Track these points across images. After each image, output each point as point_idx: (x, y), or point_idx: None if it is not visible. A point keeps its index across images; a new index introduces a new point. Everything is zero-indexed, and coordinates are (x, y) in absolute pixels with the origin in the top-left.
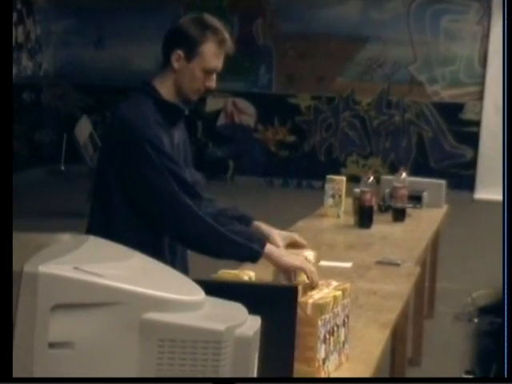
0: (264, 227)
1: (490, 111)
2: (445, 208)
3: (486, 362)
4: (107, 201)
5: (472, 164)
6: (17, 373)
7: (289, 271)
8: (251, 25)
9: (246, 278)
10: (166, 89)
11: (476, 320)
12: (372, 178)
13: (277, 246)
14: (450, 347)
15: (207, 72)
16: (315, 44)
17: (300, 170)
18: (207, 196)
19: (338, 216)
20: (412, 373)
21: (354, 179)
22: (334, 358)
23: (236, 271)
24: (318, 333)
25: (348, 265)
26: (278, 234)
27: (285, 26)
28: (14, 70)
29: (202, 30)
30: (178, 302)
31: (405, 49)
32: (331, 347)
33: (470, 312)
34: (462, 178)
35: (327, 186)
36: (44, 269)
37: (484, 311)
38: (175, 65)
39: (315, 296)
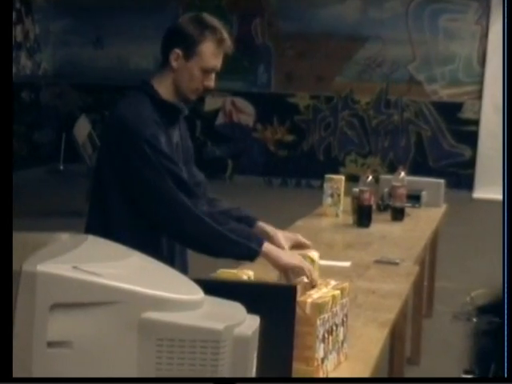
0: (268, 228)
1: (488, 110)
2: (443, 207)
3: (485, 362)
4: (105, 200)
5: (471, 163)
6: (15, 372)
7: (287, 270)
8: (250, 24)
9: (244, 277)
10: (164, 88)
11: (475, 319)
12: (371, 177)
13: (281, 247)
14: (448, 346)
15: (206, 71)
16: (314, 43)
17: (299, 169)
18: (211, 196)
19: (337, 215)
20: (410, 372)
21: (352, 178)
22: (332, 357)
23: (235, 270)
24: (316, 332)
25: (347, 264)
26: (282, 236)
27: (284, 26)
28: (13, 70)
29: (200, 29)
30: (176, 302)
31: (404, 48)
32: (330, 346)
33: (468, 311)
34: (461, 177)
35: (326, 186)
36: (42, 268)
37: (483, 310)
38: (174, 64)
39: (314, 295)
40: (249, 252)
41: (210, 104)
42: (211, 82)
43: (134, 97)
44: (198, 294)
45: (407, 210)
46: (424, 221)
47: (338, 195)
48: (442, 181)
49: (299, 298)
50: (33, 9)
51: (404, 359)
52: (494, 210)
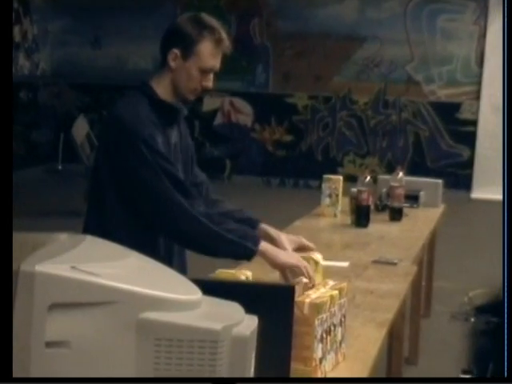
0: (271, 231)
1: (486, 111)
2: (441, 207)
3: (483, 361)
4: (102, 200)
5: (469, 163)
6: (15, 372)
7: (284, 269)
8: (248, 24)
9: (243, 277)
10: (162, 88)
11: (472, 319)
12: (369, 177)
13: (285, 249)
14: (446, 346)
15: (204, 71)
16: (312, 43)
17: (297, 169)
18: (214, 197)
19: (335, 215)
20: (409, 372)
21: (350, 179)
22: (330, 357)
23: (233, 271)
24: (314, 332)
25: (345, 264)
26: (285, 238)
27: (282, 26)
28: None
29: (198, 29)
30: (174, 302)
31: (402, 48)
32: (328, 346)
33: (466, 311)
34: (459, 177)
35: (324, 186)
36: (41, 268)
37: (480, 310)
38: (172, 64)
39: (312, 295)
40: (245, 251)
41: (209, 104)
42: (209, 82)
43: (133, 97)
44: (196, 294)
45: (405, 210)
46: (422, 221)
47: (336, 195)
48: (440, 181)
49: (297, 298)
50: (31, 9)
51: (402, 359)
52: (492, 210)
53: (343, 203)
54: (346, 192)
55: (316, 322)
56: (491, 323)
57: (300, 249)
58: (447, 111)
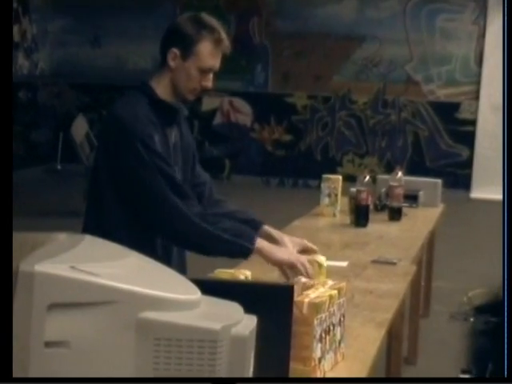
0: (274, 233)
1: (485, 110)
2: (441, 207)
3: (482, 361)
4: (101, 200)
5: (468, 163)
6: (15, 372)
7: (282, 266)
8: (247, 24)
9: (242, 277)
10: (162, 88)
11: (472, 319)
12: (368, 177)
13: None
14: (445, 346)
15: (203, 71)
16: (311, 43)
17: (296, 169)
18: (217, 197)
19: (334, 215)
20: (408, 372)
21: (350, 178)
22: (329, 357)
23: (232, 270)
24: (313, 332)
25: (344, 264)
26: (289, 240)
27: (281, 25)
28: None
29: (198, 29)
30: (174, 301)
31: (401, 48)
32: (327, 346)
33: (465, 311)
34: (458, 177)
35: (323, 185)
36: (40, 268)
37: (480, 310)
38: (171, 63)
39: (311, 295)
40: (241, 250)
41: (208, 104)
42: (209, 82)
43: (132, 96)
44: (195, 293)
45: (404, 210)
46: (421, 221)
47: (336, 195)
48: (439, 181)
49: (296, 297)
50: (30, 8)
51: (401, 359)
52: (491, 209)
53: (342, 203)
54: (345, 192)
55: (315, 322)
56: (490, 323)
57: (303, 251)
58: (446, 111)
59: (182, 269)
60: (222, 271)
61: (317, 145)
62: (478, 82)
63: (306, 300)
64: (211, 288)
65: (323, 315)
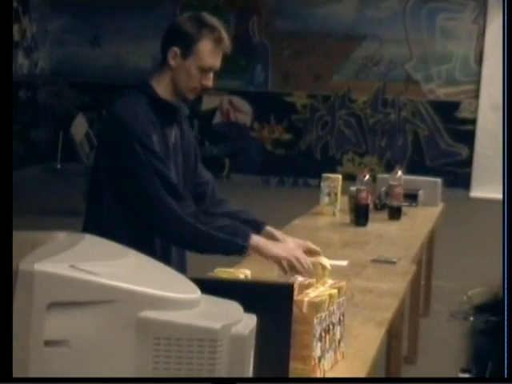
0: (278, 234)
1: (485, 109)
2: (440, 206)
3: (482, 360)
4: (100, 199)
5: (468, 162)
6: (15, 372)
7: (279, 261)
8: (247, 23)
9: (241, 276)
10: (162, 87)
11: (471, 318)
12: (368, 176)
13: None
14: (445, 345)
15: (203, 70)
16: (311, 42)
17: (296, 168)
18: (220, 197)
19: (334, 214)
20: (407, 371)
21: (349, 177)
22: (329, 356)
23: (232, 269)
24: (313, 331)
25: (344, 263)
26: (292, 242)
27: (281, 25)
28: None
29: (198, 28)
30: (173, 300)
31: (401, 47)
32: (327, 345)
33: (465, 310)
34: (458, 176)
35: (323, 185)
36: (40, 267)
37: (479, 309)
38: (171, 62)
39: (311, 294)
40: (236, 247)
41: (208, 103)
42: (209, 81)
43: (132, 96)
44: (194, 292)
45: (404, 209)
46: (421, 220)
47: (335, 194)
48: (438, 180)
49: (296, 296)
50: (30, 7)
51: (401, 358)
52: (491, 208)
53: (342, 202)
54: (344, 191)
55: (315, 321)
56: (490, 322)
57: (306, 253)
58: (446, 110)
59: (181, 268)
60: (222, 270)
61: (317, 144)
62: (477, 81)
63: (306, 299)
64: (211, 287)
65: (323, 314)
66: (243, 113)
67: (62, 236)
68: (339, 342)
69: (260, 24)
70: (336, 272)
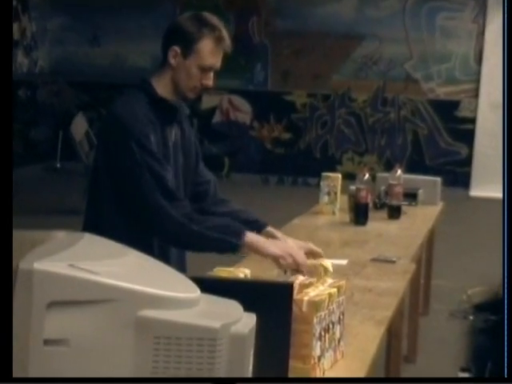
0: (279, 235)
1: (485, 108)
2: (440, 205)
3: (482, 360)
4: (99, 198)
5: (467, 161)
6: (15, 372)
7: (275, 259)
8: (247, 23)
9: (241, 275)
10: (162, 86)
11: (471, 317)
12: (367, 175)
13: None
14: (445, 344)
15: (204, 69)
16: (311, 41)
17: (295, 167)
18: (221, 197)
19: (334, 213)
20: (407, 370)
21: (349, 176)
22: (329, 355)
23: (231, 268)
24: (313, 330)
25: (343, 262)
26: (294, 243)
27: (280, 24)
28: None
29: (199, 27)
30: (173, 299)
31: (400, 46)
32: (326, 344)
33: (465, 309)
34: (458, 175)
35: (323, 184)
36: (39, 266)
37: (479, 308)
38: (172, 61)
39: (311, 293)
40: (230, 246)
41: (207, 102)
42: (210, 80)
43: (131, 95)
44: (194, 291)
45: (404, 208)
46: (420, 219)
47: (335, 193)
48: (438, 179)
49: (296, 295)
50: (29, 6)
51: (401, 357)
52: (490, 207)
53: (342, 201)
54: (344, 190)
55: (314, 320)
56: (490, 321)
57: (308, 254)
58: (446, 109)
59: (181, 267)
60: (222, 269)
61: (316, 143)
62: (477, 80)
63: (306, 298)
64: (210, 286)
65: (323, 313)
66: (243, 112)
67: (61, 235)
68: (339, 341)
69: (260, 23)
70: (335, 271)
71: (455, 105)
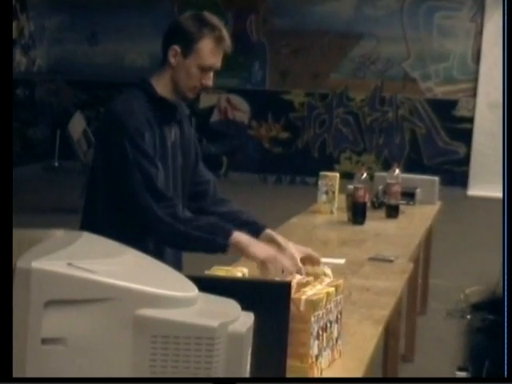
0: (279, 238)
1: (483, 108)
2: (438, 205)
3: (479, 359)
4: (95, 197)
5: (465, 160)
6: (15, 372)
7: (259, 263)
8: (245, 21)
9: (239, 274)
10: (162, 86)
11: (469, 316)
12: (365, 174)
13: (294, 258)
14: (442, 344)
15: (204, 69)
16: (309, 40)
17: (293, 166)
18: (221, 196)
19: (332, 212)
20: (405, 369)
21: (347, 176)
22: (326, 354)
23: (229, 267)
24: (310, 329)
25: (341, 261)
26: (293, 247)
27: (279, 23)
28: None
29: (199, 27)
30: (171, 298)
31: (398, 45)
32: (324, 343)
33: (462, 308)
34: (455, 174)
35: (320, 183)
36: (37, 265)
37: (477, 308)
38: (172, 60)
39: (308, 292)
40: (218, 246)
41: (205, 101)
42: (209, 80)
43: (131, 93)
44: (192, 290)
45: (402, 208)
46: (418, 218)
47: (333, 192)
48: (436, 178)
49: (294, 294)
50: (28, 5)
51: (398, 356)
52: (488, 207)
53: (340, 200)
54: (342, 189)
55: (312, 319)
56: (487, 320)
57: (307, 259)
58: (444, 108)
59: (177, 267)
60: (219, 268)
61: (314, 142)
62: (475, 80)
63: (303, 297)
64: (208, 285)
65: (320, 312)
66: (241, 111)
67: (59, 234)
68: (336, 340)
69: (258, 22)
70: (333, 270)
71: (453, 104)
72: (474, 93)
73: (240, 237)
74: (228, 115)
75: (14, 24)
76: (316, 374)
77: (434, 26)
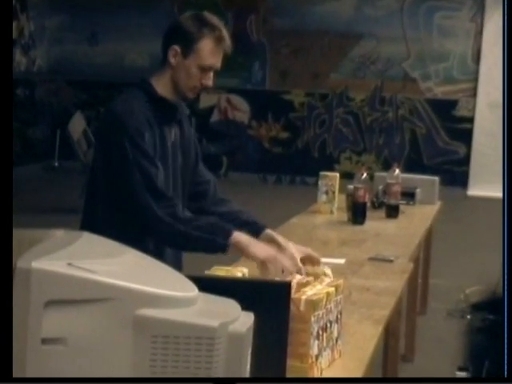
0: (279, 238)
1: (483, 108)
2: (438, 204)
3: (479, 359)
4: (95, 197)
5: (465, 160)
6: (15, 372)
7: (259, 263)
8: (245, 21)
9: (239, 274)
10: (162, 86)
11: (468, 316)
12: (365, 174)
13: (294, 258)
14: (442, 344)
15: (204, 69)
16: (309, 40)
17: (293, 166)
18: (221, 197)
19: (332, 212)
20: (405, 369)
21: (347, 176)
22: (326, 354)
23: (229, 267)
24: (310, 329)
25: (341, 261)
26: (293, 247)
27: (279, 23)
28: None
29: (199, 27)
30: (171, 298)
31: (398, 45)
32: (324, 343)
33: (462, 308)
34: (455, 174)
35: (320, 183)
36: (37, 265)
37: (477, 308)
38: (172, 60)
39: (308, 292)
40: (218, 246)
41: (205, 101)
42: (209, 80)
43: (131, 93)
44: (192, 290)
45: (402, 208)
46: (418, 218)
47: (333, 192)
48: (436, 178)
49: (294, 294)
50: (28, 5)
51: (398, 356)
52: (488, 207)
53: (340, 200)
54: (342, 189)
55: (312, 319)
56: (487, 320)
57: (307, 259)
58: (444, 108)
59: (177, 267)
60: (219, 268)
61: (314, 142)
62: (475, 80)
63: (303, 297)
64: (208, 285)
65: (320, 312)
66: (241, 111)
67: (59, 234)
68: (336, 340)
69: (258, 22)
70: (333, 270)
71: (453, 104)
72: (474, 93)
73: (240, 237)
74: (228, 115)
75: (14, 24)
76: (316, 374)
77: (433, 26)
